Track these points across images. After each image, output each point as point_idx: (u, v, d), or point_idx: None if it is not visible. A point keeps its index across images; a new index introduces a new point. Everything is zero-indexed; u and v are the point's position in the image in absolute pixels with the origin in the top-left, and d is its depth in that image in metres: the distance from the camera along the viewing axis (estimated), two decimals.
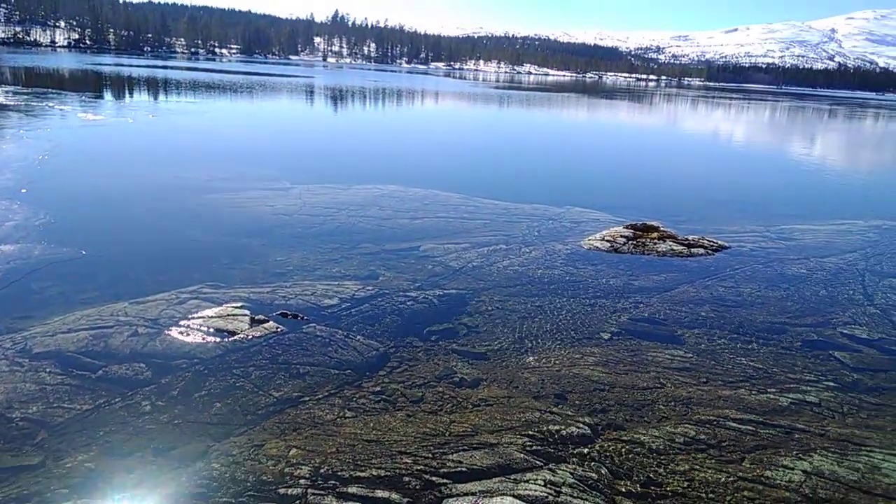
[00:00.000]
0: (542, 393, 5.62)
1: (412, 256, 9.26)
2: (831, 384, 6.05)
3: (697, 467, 4.60)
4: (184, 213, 11.00)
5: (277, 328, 6.48)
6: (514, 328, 7.00)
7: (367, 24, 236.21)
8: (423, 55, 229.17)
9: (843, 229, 12.46)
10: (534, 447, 4.72)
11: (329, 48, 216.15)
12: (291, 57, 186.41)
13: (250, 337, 6.26)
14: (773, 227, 12.30)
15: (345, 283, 7.88)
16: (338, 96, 48.83)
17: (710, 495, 4.32)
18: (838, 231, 12.29)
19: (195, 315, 6.63)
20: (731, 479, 4.48)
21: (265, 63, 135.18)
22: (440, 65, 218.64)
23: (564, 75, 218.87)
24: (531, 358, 6.32)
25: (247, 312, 6.73)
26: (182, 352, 5.93)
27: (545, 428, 4.99)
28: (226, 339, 6.19)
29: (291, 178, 14.19)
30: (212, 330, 6.34)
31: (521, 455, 4.60)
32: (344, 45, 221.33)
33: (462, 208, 12.45)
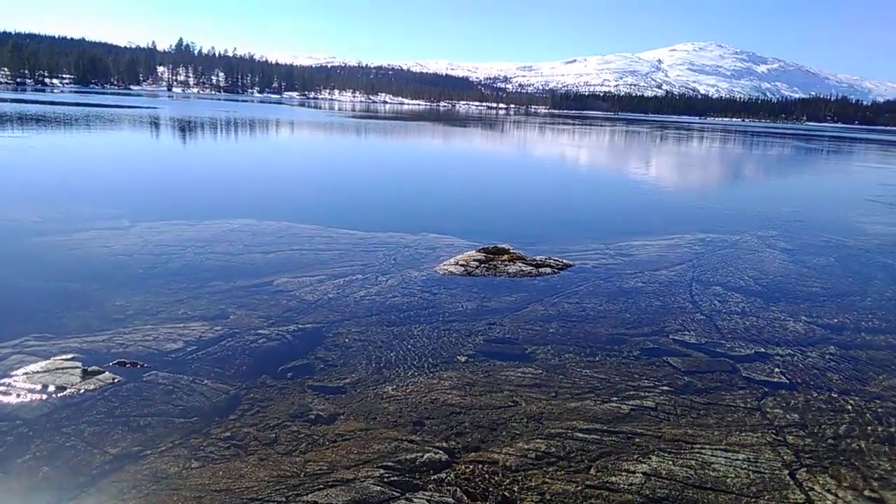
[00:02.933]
0: (400, 422, 5.62)
1: (265, 292, 8.97)
2: (666, 388, 6.53)
3: (549, 480, 4.77)
4: (5, 259, 9.98)
5: (114, 379, 6.01)
6: (371, 359, 6.96)
7: (214, 53, 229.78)
8: (275, 85, 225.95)
9: (673, 243, 13.60)
10: (391, 478, 4.69)
11: (174, 78, 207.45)
12: (133, 87, 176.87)
13: (82, 391, 5.75)
14: (612, 245, 13.18)
15: (191, 325, 7.48)
16: (185, 128, 46.66)
17: None
18: (669, 245, 13.40)
19: (17, 371, 6.00)
20: (580, 488, 4.69)
21: (103, 93, 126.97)
22: (294, 94, 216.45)
23: (419, 104, 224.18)
24: (389, 387, 6.30)
25: (78, 364, 6.19)
26: (1, 414, 5.34)
27: (403, 457, 4.98)
28: (53, 396, 5.65)
29: (131, 217, 13.32)
30: (37, 387, 5.76)
31: (378, 487, 4.55)
32: (190, 75, 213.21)
33: (317, 239, 12.27)
